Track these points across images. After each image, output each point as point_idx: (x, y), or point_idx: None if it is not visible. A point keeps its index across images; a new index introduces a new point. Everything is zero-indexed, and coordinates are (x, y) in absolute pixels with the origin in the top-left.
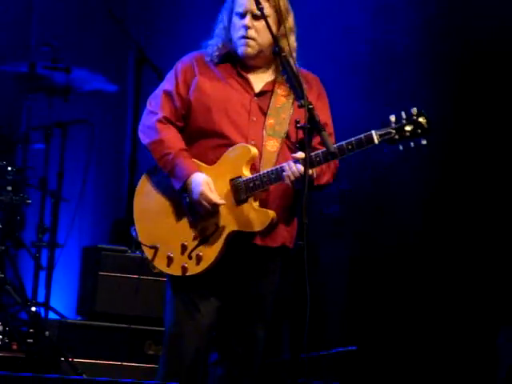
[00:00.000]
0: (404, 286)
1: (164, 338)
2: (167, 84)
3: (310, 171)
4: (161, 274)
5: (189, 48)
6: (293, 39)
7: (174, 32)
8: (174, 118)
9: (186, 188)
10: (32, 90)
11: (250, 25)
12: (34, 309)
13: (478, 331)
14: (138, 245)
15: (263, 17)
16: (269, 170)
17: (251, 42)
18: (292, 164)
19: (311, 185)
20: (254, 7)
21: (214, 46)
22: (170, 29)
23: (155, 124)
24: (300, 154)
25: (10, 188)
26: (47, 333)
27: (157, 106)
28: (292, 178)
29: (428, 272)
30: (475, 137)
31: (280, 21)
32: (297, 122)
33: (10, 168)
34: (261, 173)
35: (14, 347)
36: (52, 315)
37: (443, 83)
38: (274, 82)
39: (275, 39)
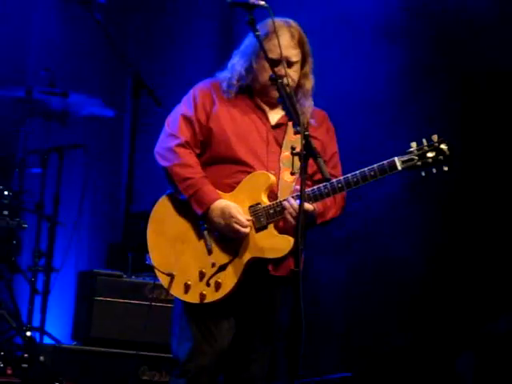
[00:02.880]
0: (403, 312)
1: (179, 368)
2: (186, 108)
3: (311, 206)
4: (156, 299)
5: (188, 75)
6: (312, 78)
7: (173, 58)
8: (193, 144)
9: (208, 214)
10: (29, 114)
11: (286, 73)
12: (29, 333)
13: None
14: (135, 270)
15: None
16: (279, 200)
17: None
18: (292, 200)
19: (314, 222)
20: (289, 55)
21: (228, 80)
22: (168, 55)
23: (176, 148)
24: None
25: (6, 212)
26: (42, 358)
27: (176, 129)
28: (294, 214)
29: (426, 297)
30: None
31: (305, 62)
32: (292, 149)
33: (6, 192)
34: (281, 200)
35: (9, 372)
36: (47, 340)
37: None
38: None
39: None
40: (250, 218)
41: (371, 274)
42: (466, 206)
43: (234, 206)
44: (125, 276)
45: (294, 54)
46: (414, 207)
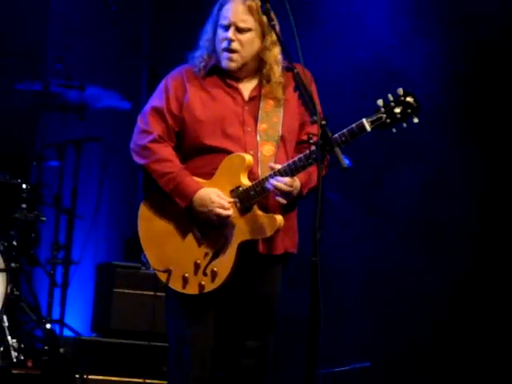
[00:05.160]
0: (420, 302)
1: (170, 355)
2: (158, 101)
3: (288, 179)
4: None
5: None
6: (276, 51)
7: (188, 49)
8: (167, 137)
9: (191, 205)
10: (46, 107)
11: (233, 38)
12: (48, 326)
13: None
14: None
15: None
16: (257, 180)
17: (234, 56)
18: (272, 181)
19: (301, 195)
20: (237, 20)
21: (199, 57)
22: (183, 46)
23: (150, 144)
24: (275, 165)
25: (24, 205)
26: (62, 350)
27: (149, 124)
28: (278, 193)
29: (447, 287)
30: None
31: (264, 34)
32: (309, 138)
33: (24, 186)
34: (259, 180)
35: (29, 364)
36: (67, 332)
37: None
38: (259, 87)
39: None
40: (231, 199)
41: (392, 263)
42: (500, 198)
43: (213, 190)
44: (143, 268)
45: (241, 20)
46: (442, 197)
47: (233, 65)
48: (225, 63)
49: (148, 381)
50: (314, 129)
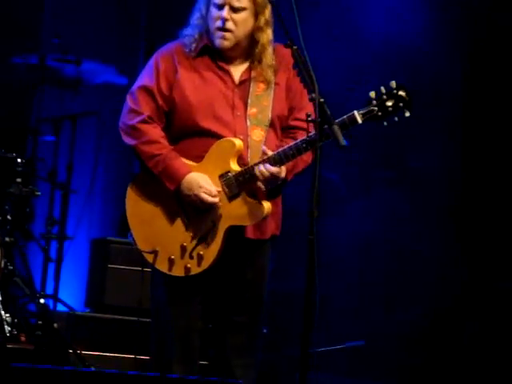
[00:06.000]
0: (414, 279)
1: (152, 331)
2: (148, 79)
3: (278, 169)
4: None
5: None
6: (269, 32)
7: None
8: (157, 117)
9: (180, 188)
10: (42, 82)
11: (227, 17)
12: (42, 301)
13: None
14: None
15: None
16: (247, 167)
17: (228, 35)
18: (260, 166)
19: (285, 180)
20: None
21: (190, 36)
22: (182, 20)
23: (139, 125)
24: (267, 150)
25: (19, 180)
26: (56, 325)
27: (138, 103)
28: (262, 178)
29: (439, 266)
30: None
31: (258, 13)
32: (308, 116)
33: (19, 160)
34: (248, 166)
35: (23, 339)
36: (61, 307)
37: None
38: (249, 69)
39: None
40: (219, 188)
41: (385, 244)
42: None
43: (202, 176)
44: None
45: None
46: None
47: (226, 43)
48: (218, 42)
49: (140, 357)
50: (302, 114)
